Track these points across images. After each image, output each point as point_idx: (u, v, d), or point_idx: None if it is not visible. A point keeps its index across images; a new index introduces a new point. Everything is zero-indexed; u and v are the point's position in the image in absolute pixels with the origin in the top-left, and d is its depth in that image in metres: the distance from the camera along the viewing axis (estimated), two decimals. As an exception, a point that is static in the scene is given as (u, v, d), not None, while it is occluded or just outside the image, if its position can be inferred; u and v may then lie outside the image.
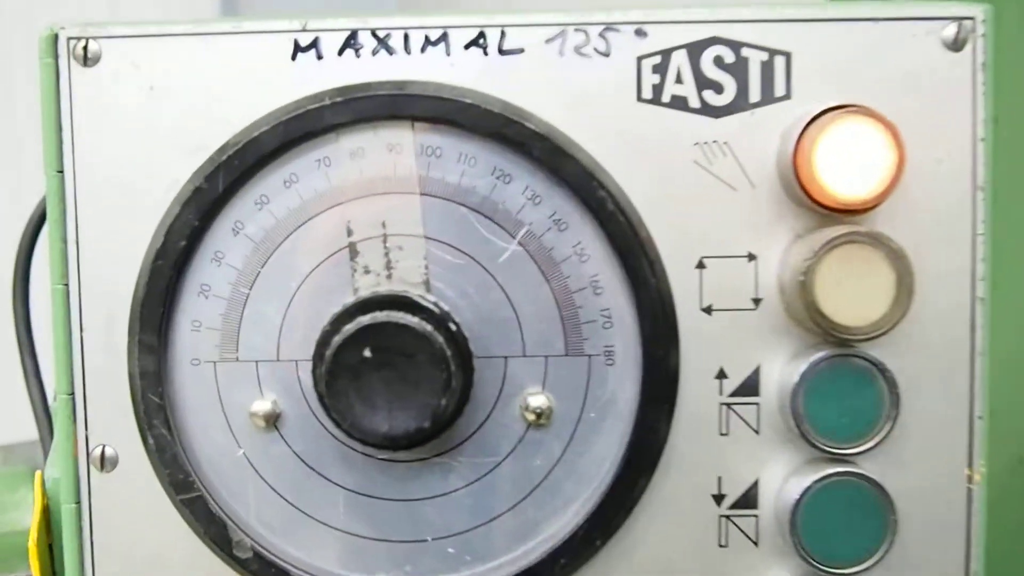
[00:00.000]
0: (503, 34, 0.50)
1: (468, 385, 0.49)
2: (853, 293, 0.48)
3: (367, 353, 0.47)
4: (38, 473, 0.55)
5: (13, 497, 0.64)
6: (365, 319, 0.47)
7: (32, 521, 0.54)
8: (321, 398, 0.48)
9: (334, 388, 0.47)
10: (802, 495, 0.50)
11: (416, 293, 0.49)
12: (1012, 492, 0.98)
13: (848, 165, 0.48)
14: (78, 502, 0.52)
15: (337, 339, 0.47)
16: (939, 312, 0.50)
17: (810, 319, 0.49)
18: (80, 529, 0.52)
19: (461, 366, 0.48)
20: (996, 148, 0.50)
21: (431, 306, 0.49)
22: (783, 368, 0.51)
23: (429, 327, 0.47)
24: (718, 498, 0.52)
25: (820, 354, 0.50)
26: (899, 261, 0.48)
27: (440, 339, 0.47)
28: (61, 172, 0.51)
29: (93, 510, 0.52)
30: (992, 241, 0.50)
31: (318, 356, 0.48)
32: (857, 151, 0.48)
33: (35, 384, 0.84)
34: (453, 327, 0.48)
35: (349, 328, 0.47)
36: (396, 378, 0.47)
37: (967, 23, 0.50)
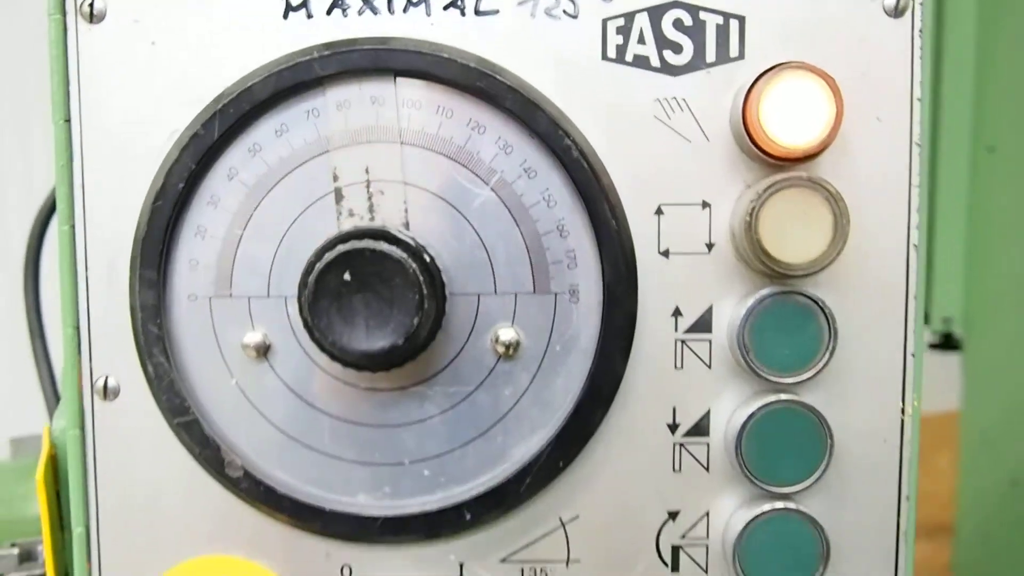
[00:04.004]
0: (479, -4, 0.54)
1: (441, 312, 0.52)
2: (794, 233, 0.52)
3: (347, 276, 0.49)
4: (46, 425, 0.57)
5: (21, 490, 0.63)
6: (345, 247, 0.50)
7: (40, 462, 0.56)
8: (305, 321, 0.50)
9: (316, 308, 0.50)
10: (747, 421, 0.53)
11: (395, 227, 0.52)
12: (1005, 514, 1.00)
13: (790, 115, 0.51)
14: (82, 428, 0.55)
15: (319, 264, 0.50)
16: (876, 256, 0.54)
17: (756, 258, 0.53)
18: (84, 455, 0.55)
19: (433, 292, 0.51)
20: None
21: (407, 239, 0.52)
22: (733, 307, 0.54)
23: (404, 254, 0.50)
24: (672, 427, 0.55)
25: (765, 291, 0.53)
26: (835, 204, 0.52)
27: (414, 265, 0.50)
28: (68, 121, 0.54)
29: (96, 437, 0.55)
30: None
31: (303, 284, 0.50)
32: (798, 102, 0.51)
33: (45, 369, 0.87)
34: (428, 258, 0.51)
35: (330, 255, 0.50)
36: (374, 299, 0.49)
37: (907, -8, 0.53)
